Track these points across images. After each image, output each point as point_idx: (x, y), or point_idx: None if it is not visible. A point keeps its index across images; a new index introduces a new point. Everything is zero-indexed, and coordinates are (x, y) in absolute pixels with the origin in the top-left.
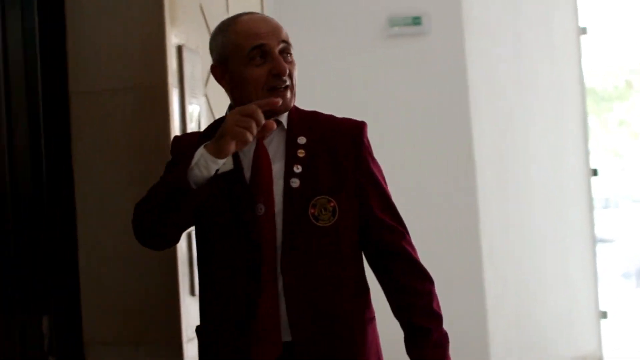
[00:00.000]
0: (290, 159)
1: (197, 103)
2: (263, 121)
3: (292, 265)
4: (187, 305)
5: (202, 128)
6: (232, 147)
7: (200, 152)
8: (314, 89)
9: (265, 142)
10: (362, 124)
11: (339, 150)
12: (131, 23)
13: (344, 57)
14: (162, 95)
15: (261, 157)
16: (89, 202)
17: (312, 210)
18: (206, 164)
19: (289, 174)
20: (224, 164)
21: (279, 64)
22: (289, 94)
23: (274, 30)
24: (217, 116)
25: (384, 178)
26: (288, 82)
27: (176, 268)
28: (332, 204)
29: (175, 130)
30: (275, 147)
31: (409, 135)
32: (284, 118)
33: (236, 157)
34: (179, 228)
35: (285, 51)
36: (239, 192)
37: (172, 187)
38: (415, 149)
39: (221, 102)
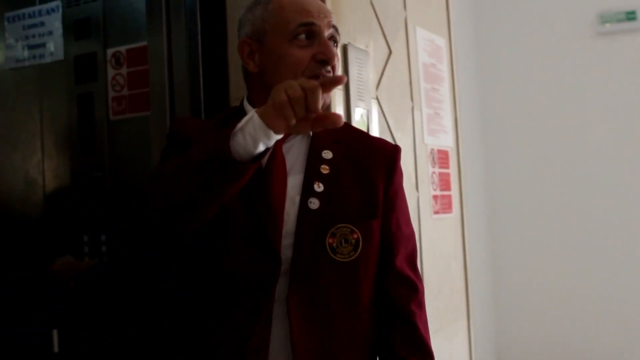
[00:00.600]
0: (312, 174)
1: (364, 107)
2: (317, 110)
3: (300, 307)
4: None
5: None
6: (280, 121)
7: (250, 115)
8: (516, 95)
9: (285, 147)
10: (398, 148)
11: (370, 171)
12: None
13: (549, 60)
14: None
15: (275, 166)
16: None
17: (331, 240)
18: (255, 132)
19: (307, 191)
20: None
21: (328, 49)
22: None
23: (326, 12)
24: (391, 122)
25: (409, 217)
26: (332, 74)
27: None
28: (355, 236)
29: None
30: (294, 157)
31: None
32: None
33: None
34: (216, 205)
35: (333, 39)
36: (260, 198)
37: (206, 153)
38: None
39: (395, 105)
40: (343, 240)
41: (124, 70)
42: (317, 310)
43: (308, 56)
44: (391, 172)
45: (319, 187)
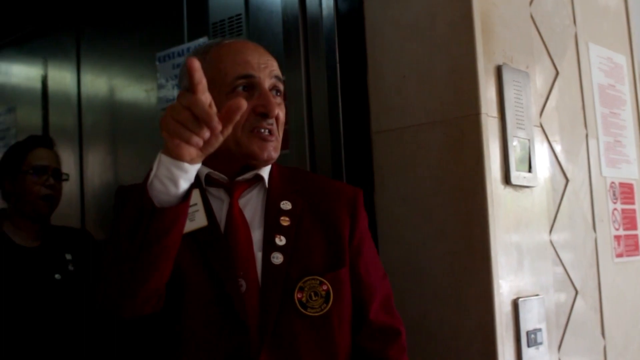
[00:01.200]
0: (272, 227)
1: (525, 136)
2: (212, 120)
3: None
4: None
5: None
6: (183, 149)
7: (158, 158)
8: None
9: (241, 202)
10: (359, 191)
11: (333, 217)
12: (436, 45)
13: None
14: (475, 129)
15: (236, 221)
16: (392, 255)
17: (299, 295)
18: (169, 172)
19: (269, 246)
20: (195, 220)
21: (268, 102)
22: (274, 142)
23: (266, 61)
24: (560, 153)
25: (378, 259)
26: (274, 127)
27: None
28: (324, 287)
29: (493, 171)
30: (252, 210)
31: None
32: (265, 174)
33: (210, 212)
34: (158, 277)
35: (276, 89)
36: (218, 257)
37: (133, 214)
38: None
39: (565, 134)
40: (312, 294)
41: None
42: None
43: (248, 110)
44: (355, 217)
45: (280, 241)
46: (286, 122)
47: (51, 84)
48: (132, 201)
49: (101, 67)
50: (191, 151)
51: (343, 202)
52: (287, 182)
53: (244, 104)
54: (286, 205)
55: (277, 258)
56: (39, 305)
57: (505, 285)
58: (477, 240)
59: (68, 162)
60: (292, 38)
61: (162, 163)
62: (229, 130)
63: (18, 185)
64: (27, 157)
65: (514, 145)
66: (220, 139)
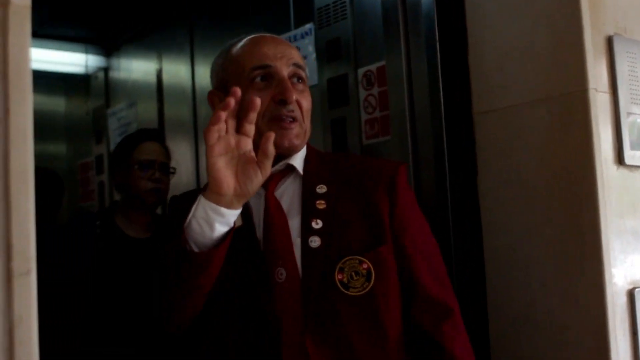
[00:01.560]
0: (308, 212)
1: None
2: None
3: (320, 348)
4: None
5: None
6: (224, 178)
7: (197, 200)
8: None
9: (277, 192)
10: (399, 164)
11: (370, 196)
12: (539, 18)
13: None
14: (582, 106)
15: (272, 211)
16: (496, 242)
17: (340, 276)
18: (206, 214)
19: (306, 231)
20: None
21: (284, 88)
22: (296, 129)
23: (284, 51)
24: None
25: (429, 233)
26: (296, 114)
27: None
28: (365, 266)
29: (604, 151)
30: (289, 199)
31: None
32: (297, 162)
33: (247, 212)
34: (192, 308)
35: (296, 76)
36: (250, 254)
37: (170, 254)
38: None
39: None
40: (353, 274)
41: (375, 90)
42: (339, 352)
43: (268, 99)
44: (394, 192)
45: (317, 224)
46: (387, 108)
47: (165, 77)
48: (172, 235)
49: (213, 58)
50: (226, 180)
51: (381, 178)
52: (324, 166)
53: (257, 101)
54: (321, 188)
55: (315, 241)
56: (146, 294)
57: (619, 274)
58: (587, 226)
59: (184, 154)
60: (392, 19)
61: (201, 204)
62: (251, 131)
63: (126, 178)
64: (134, 152)
65: (628, 122)
66: (259, 178)
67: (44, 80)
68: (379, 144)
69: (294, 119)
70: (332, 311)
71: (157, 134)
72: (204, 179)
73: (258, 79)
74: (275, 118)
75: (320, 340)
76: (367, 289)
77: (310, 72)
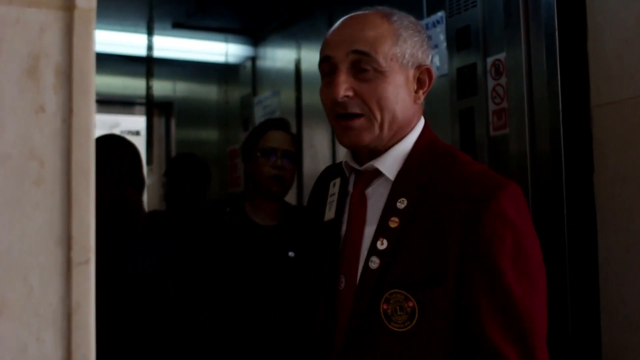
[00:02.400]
0: (381, 227)
1: None
2: None
3: None
4: None
5: None
6: None
7: None
8: None
9: (369, 191)
10: (494, 191)
11: (446, 225)
12: None
13: None
14: None
15: (352, 215)
16: (613, 243)
17: (385, 306)
18: None
19: (372, 248)
20: (331, 210)
21: (333, 84)
22: (358, 124)
23: (346, 37)
24: None
25: (521, 274)
26: (356, 110)
27: None
28: (410, 304)
29: None
30: (375, 201)
31: None
32: (387, 163)
33: (340, 208)
34: None
35: (359, 65)
36: (330, 251)
37: None
38: None
39: None
40: (398, 308)
41: (503, 80)
42: None
43: (327, 98)
44: (473, 225)
45: (382, 245)
46: (505, 100)
47: (304, 66)
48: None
49: None
50: None
51: (466, 202)
52: (421, 169)
53: None
54: (402, 203)
55: (374, 262)
56: (272, 280)
57: None
58: None
59: (321, 141)
60: (512, 6)
61: None
62: None
63: (252, 166)
64: (260, 140)
65: None
66: None
67: (199, 70)
68: (506, 136)
69: (355, 115)
70: (370, 339)
71: (283, 122)
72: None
73: (325, 74)
74: (335, 117)
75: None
76: (407, 328)
77: (440, 61)
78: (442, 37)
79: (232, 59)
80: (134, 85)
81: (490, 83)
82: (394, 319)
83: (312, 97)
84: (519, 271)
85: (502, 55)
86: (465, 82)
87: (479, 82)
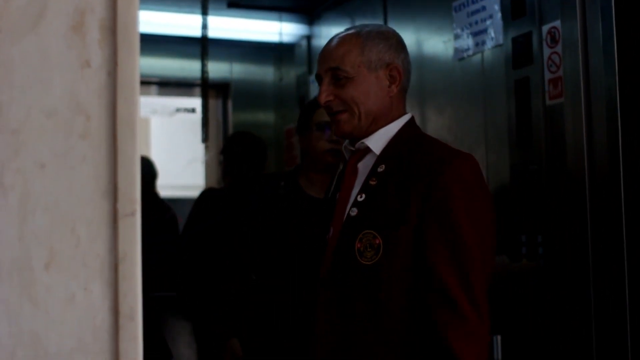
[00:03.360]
0: (363, 186)
1: None
2: None
3: (329, 303)
4: None
5: None
6: None
7: None
8: None
9: (360, 165)
10: (446, 162)
11: (410, 184)
12: None
13: None
14: None
15: (345, 179)
16: None
17: (358, 245)
18: None
19: (354, 202)
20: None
21: (319, 95)
22: (341, 119)
23: (325, 56)
24: None
25: (470, 224)
26: (340, 108)
27: None
28: (377, 241)
29: None
30: (363, 171)
31: None
32: (373, 143)
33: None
34: None
35: (336, 76)
36: (322, 213)
37: None
38: None
39: None
40: (368, 245)
41: (559, 47)
42: (341, 308)
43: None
44: (430, 186)
45: (361, 198)
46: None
47: None
48: None
49: (405, 22)
50: None
51: (428, 167)
52: (398, 147)
53: None
54: (381, 168)
55: (354, 211)
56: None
57: None
58: None
59: None
60: None
61: None
62: None
63: (307, 141)
64: (314, 115)
65: None
66: None
67: (254, 50)
68: (561, 105)
69: (339, 111)
70: (344, 273)
71: None
72: None
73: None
74: (328, 114)
75: (331, 294)
76: (374, 261)
77: (495, 31)
78: (496, 7)
79: (286, 38)
80: (190, 66)
81: (546, 51)
82: (364, 255)
83: None
84: (468, 220)
85: (557, 23)
86: (520, 51)
87: (534, 51)
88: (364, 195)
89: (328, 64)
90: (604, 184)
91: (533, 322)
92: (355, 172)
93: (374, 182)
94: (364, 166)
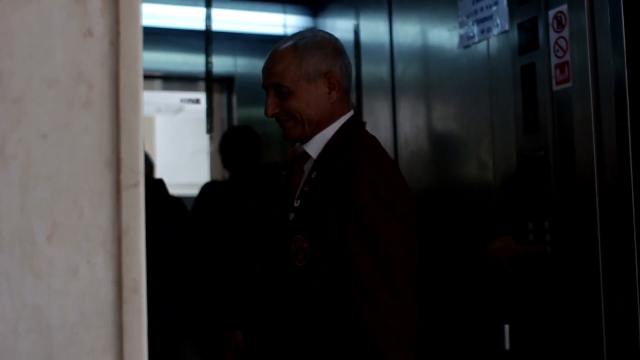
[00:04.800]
0: (299, 192)
1: None
2: None
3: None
4: None
5: None
6: None
7: None
8: None
9: (305, 166)
10: (366, 164)
11: (334, 189)
12: None
13: None
14: None
15: (293, 183)
16: None
17: (293, 247)
18: None
19: (291, 207)
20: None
21: (265, 106)
22: (288, 127)
23: (267, 71)
24: None
25: (380, 221)
26: (285, 117)
27: None
28: (305, 245)
29: None
30: (304, 175)
31: None
32: (311, 147)
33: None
34: None
35: (279, 90)
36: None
37: None
38: None
39: None
40: (299, 248)
41: (565, 32)
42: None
43: None
44: (347, 188)
45: (296, 203)
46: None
47: (363, 34)
48: None
49: (410, 11)
50: None
51: (345, 172)
52: (331, 151)
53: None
54: (314, 175)
55: (291, 216)
56: None
57: None
58: None
59: (382, 109)
60: None
61: None
62: None
63: None
64: None
65: None
66: None
67: (258, 43)
68: (568, 90)
69: (285, 120)
70: (284, 271)
71: None
72: (401, 134)
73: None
74: (277, 122)
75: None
76: (304, 263)
77: (501, 18)
78: None
79: (291, 30)
80: (194, 60)
81: (553, 36)
82: (297, 257)
83: (371, 66)
84: (379, 217)
85: (564, 7)
86: (526, 37)
87: (540, 36)
88: (299, 202)
89: (270, 79)
90: (612, 169)
91: (541, 311)
92: (300, 173)
93: (307, 189)
94: (306, 169)
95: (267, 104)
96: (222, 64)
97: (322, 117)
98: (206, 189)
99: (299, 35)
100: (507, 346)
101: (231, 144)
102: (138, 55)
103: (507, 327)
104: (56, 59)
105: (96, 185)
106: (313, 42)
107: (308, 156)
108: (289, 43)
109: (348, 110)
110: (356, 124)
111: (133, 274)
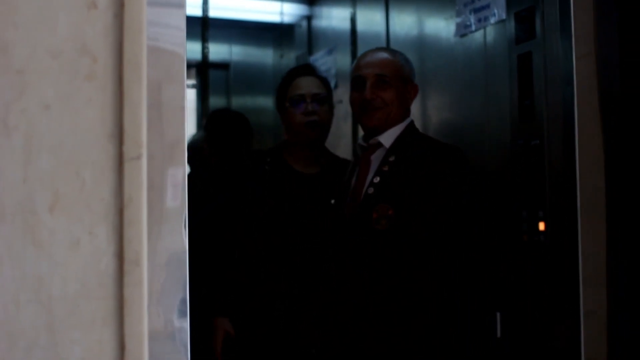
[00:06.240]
0: (377, 172)
1: None
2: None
3: (344, 266)
4: None
5: None
6: None
7: None
8: None
9: (372, 157)
10: (447, 153)
11: (418, 171)
12: None
13: None
14: None
15: (361, 167)
16: None
17: (375, 215)
18: None
19: (370, 183)
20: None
21: (367, 91)
22: (378, 114)
23: (371, 64)
24: None
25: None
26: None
27: None
28: (390, 212)
29: None
30: (375, 162)
31: None
32: (384, 139)
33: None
34: None
35: (382, 79)
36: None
37: None
38: None
39: None
40: (382, 215)
41: None
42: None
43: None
44: (431, 172)
45: (376, 180)
46: None
47: (360, 23)
48: None
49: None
50: None
51: (430, 159)
52: (407, 143)
53: None
54: (392, 158)
55: (370, 190)
56: (314, 227)
57: None
58: None
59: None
60: None
61: None
62: None
63: (285, 117)
64: (288, 90)
65: None
66: None
67: (255, 30)
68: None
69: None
70: (361, 236)
71: (307, 67)
72: None
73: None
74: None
75: (350, 252)
76: (385, 227)
77: (498, 7)
78: None
79: (287, 19)
80: (190, 47)
81: None
82: (380, 222)
83: None
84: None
85: None
86: (523, 25)
87: (537, 24)
88: (378, 178)
89: (376, 69)
90: (618, 152)
91: (533, 299)
92: (368, 162)
93: (386, 169)
94: (376, 159)
95: (367, 89)
96: (218, 51)
97: (402, 114)
98: (192, 178)
99: (392, 50)
100: (499, 334)
101: (222, 127)
102: (142, 28)
103: (498, 315)
104: (60, 30)
105: (99, 157)
106: (404, 56)
107: (375, 148)
108: (389, 52)
109: (409, 117)
110: (415, 126)
111: (134, 246)
